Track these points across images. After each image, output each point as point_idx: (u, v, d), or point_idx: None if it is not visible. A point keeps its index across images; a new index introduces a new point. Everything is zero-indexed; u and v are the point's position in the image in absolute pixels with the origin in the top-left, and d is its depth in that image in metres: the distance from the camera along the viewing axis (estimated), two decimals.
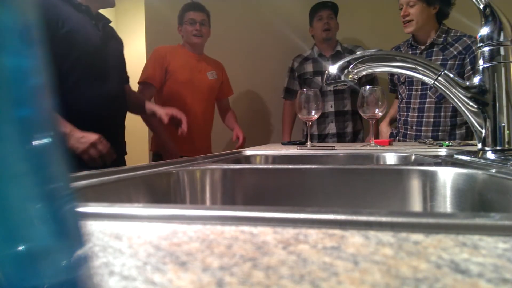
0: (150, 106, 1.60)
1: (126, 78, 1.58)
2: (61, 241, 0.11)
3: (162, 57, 1.81)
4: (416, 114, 1.64)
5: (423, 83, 1.62)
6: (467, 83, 0.54)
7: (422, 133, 1.63)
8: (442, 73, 0.55)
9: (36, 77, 0.11)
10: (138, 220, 0.23)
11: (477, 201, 0.42)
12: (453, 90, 0.54)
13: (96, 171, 0.46)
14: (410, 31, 1.59)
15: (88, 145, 1.18)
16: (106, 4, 1.39)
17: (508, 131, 0.49)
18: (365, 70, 0.59)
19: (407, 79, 1.69)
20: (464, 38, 1.54)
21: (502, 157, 0.48)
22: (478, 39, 0.52)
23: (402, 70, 0.57)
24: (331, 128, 2.00)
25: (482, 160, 0.50)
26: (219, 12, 2.51)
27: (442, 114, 1.58)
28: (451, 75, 0.54)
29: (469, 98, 0.53)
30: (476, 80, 0.53)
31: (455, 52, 1.54)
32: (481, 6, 0.52)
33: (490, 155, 0.50)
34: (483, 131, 0.52)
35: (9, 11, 0.10)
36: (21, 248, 0.10)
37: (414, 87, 1.65)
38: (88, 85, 1.29)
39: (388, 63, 0.58)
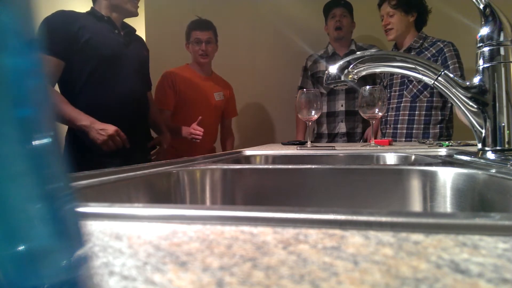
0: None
1: (148, 85, 1.67)
2: (61, 241, 0.11)
3: (172, 81, 1.87)
4: (394, 113, 1.77)
5: (401, 84, 1.74)
6: (467, 83, 0.54)
7: (398, 131, 1.74)
8: (442, 73, 0.55)
9: (36, 77, 0.11)
10: (138, 220, 0.23)
11: (477, 201, 0.42)
12: (453, 90, 0.54)
13: (96, 171, 0.46)
14: (391, 38, 1.75)
15: (106, 137, 1.31)
16: (128, 14, 1.51)
17: (508, 131, 0.49)
18: (365, 70, 0.59)
19: (388, 83, 1.81)
20: (438, 43, 1.67)
21: (502, 157, 0.48)
22: (478, 39, 0.52)
23: (402, 70, 0.57)
24: (341, 127, 2.00)
25: (482, 160, 0.50)
26: (227, 11, 2.50)
27: (416, 112, 1.69)
28: (451, 75, 0.54)
29: (469, 98, 0.53)
30: (476, 80, 0.53)
31: (429, 55, 1.67)
32: (481, 6, 0.52)
33: (490, 155, 0.50)
34: (483, 131, 0.52)
35: (9, 11, 0.10)
36: (21, 248, 0.10)
37: (393, 88, 1.78)
38: (109, 88, 1.40)
39: (388, 63, 0.58)
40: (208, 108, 1.92)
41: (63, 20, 1.33)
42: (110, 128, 1.32)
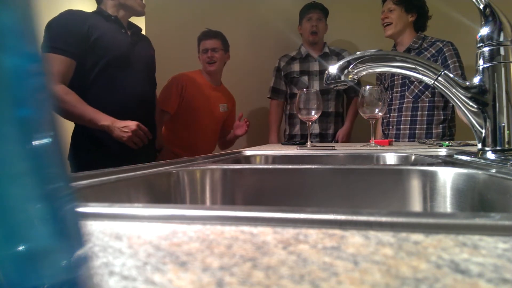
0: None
1: (155, 84, 1.67)
2: (61, 241, 0.11)
3: (182, 86, 1.87)
4: (396, 114, 1.77)
5: (402, 85, 1.74)
6: (467, 83, 0.54)
7: (401, 132, 1.75)
8: (442, 73, 0.55)
9: (36, 77, 0.11)
10: (138, 220, 0.23)
11: (477, 201, 0.42)
12: (453, 90, 0.54)
13: (96, 171, 0.46)
14: (389, 34, 1.75)
15: (131, 133, 1.32)
16: (135, 13, 1.52)
17: (508, 131, 0.49)
18: (365, 70, 0.59)
19: (389, 84, 1.82)
20: (437, 43, 1.67)
21: (502, 157, 0.48)
22: (478, 39, 0.52)
23: (402, 70, 0.57)
24: (314, 128, 2.02)
25: (482, 160, 0.50)
26: (228, 12, 2.50)
27: (418, 113, 1.70)
28: (451, 75, 0.54)
29: (469, 98, 0.53)
30: (476, 80, 0.53)
31: (429, 55, 1.67)
32: (481, 6, 0.52)
33: (490, 155, 0.50)
34: (483, 131, 0.52)
35: (9, 11, 0.10)
36: (21, 248, 0.10)
37: (395, 89, 1.78)
38: (117, 87, 1.40)
39: (388, 63, 0.58)
40: (211, 118, 1.94)
41: (74, 20, 1.33)
42: (132, 124, 1.33)
